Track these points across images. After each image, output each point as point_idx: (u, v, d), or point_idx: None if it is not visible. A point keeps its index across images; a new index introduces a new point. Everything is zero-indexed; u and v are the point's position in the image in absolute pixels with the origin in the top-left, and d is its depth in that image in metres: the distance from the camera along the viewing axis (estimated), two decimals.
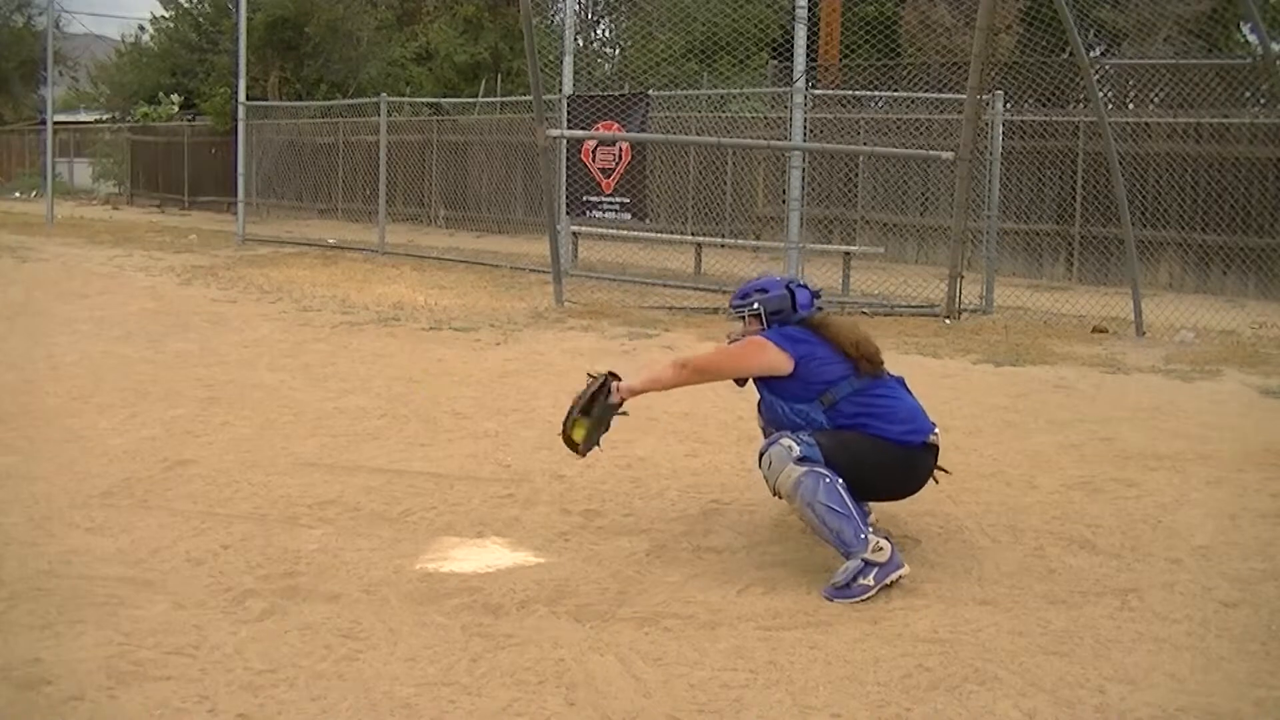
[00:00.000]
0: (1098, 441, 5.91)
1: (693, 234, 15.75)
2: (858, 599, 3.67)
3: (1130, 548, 4.28)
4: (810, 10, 11.36)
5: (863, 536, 3.72)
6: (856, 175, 16.25)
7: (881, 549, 3.72)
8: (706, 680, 3.14)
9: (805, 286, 4.22)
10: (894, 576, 3.73)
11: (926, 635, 3.45)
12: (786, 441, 3.84)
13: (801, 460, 3.79)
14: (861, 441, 3.90)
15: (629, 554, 4.12)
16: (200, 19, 28.16)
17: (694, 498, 4.82)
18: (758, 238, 15.96)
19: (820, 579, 3.86)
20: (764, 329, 4.13)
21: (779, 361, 4.00)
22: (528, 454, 5.47)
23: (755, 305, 4.17)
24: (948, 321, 10.09)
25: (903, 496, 4.17)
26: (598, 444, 4.23)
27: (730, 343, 4.30)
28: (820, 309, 4.25)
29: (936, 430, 4.05)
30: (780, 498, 3.90)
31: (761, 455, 3.90)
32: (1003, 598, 3.77)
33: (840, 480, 3.78)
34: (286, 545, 4.13)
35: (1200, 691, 3.13)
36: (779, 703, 3.03)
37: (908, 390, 4.15)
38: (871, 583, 3.70)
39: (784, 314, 4.14)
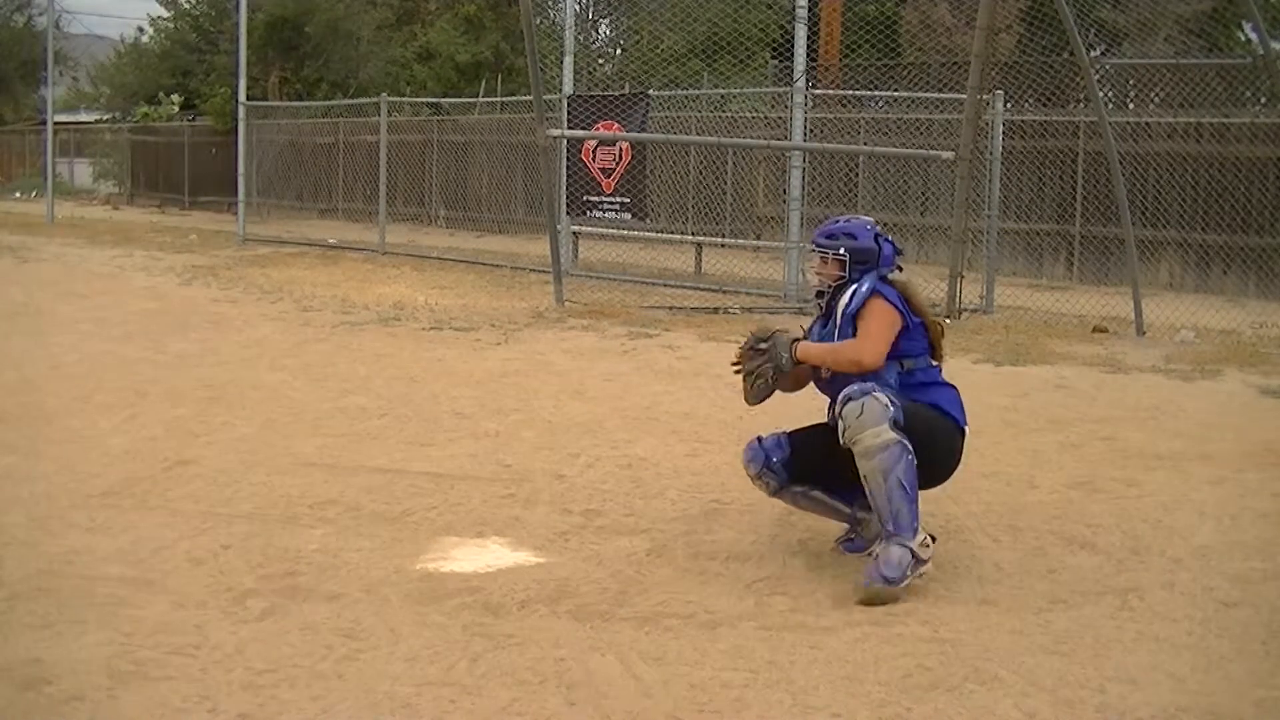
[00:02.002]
0: (1098, 441, 5.91)
1: (693, 234, 15.72)
2: (896, 588, 3.70)
3: (1130, 548, 4.28)
4: (810, 10, 11.37)
5: (916, 525, 3.73)
6: (856, 175, 16.23)
7: (928, 546, 3.75)
8: (707, 680, 3.14)
9: (890, 240, 4.07)
10: (922, 571, 3.76)
11: (926, 635, 3.45)
12: (884, 398, 3.71)
13: (895, 425, 3.69)
14: (931, 416, 3.86)
15: (629, 554, 4.12)
16: (200, 19, 28.17)
17: (694, 498, 4.82)
18: (758, 237, 15.95)
19: (821, 579, 3.86)
20: (844, 275, 4.00)
21: (898, 324, 3.91)
22: (528, 454, 5.47)
23: (842, 250, 4.01)
24: (948, 321, 10.07)
25: (940, 482, 4.04)
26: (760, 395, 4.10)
27: (814, 287, 4.18)
28: (901, 267, 4.11)
29: None
30: (850, 447, 3.73)
31: (849, 400, 3.73)
32: (1003, 598, 3.77)
33: (914, 459, 3.71)
34: (287, 545, 4.14)
35: (1201, 691, 3.13)
36: (779, 703, 3.03)
37: None
38: (910, 574, 3.74)
39: (869, 265, 4.00)
